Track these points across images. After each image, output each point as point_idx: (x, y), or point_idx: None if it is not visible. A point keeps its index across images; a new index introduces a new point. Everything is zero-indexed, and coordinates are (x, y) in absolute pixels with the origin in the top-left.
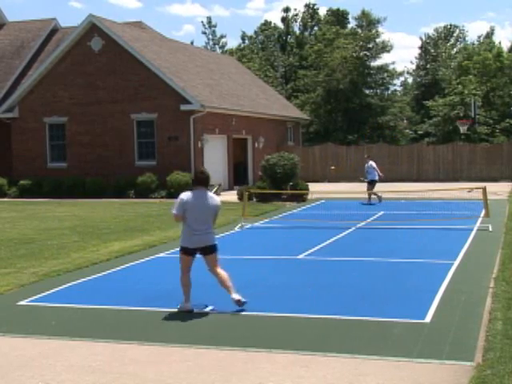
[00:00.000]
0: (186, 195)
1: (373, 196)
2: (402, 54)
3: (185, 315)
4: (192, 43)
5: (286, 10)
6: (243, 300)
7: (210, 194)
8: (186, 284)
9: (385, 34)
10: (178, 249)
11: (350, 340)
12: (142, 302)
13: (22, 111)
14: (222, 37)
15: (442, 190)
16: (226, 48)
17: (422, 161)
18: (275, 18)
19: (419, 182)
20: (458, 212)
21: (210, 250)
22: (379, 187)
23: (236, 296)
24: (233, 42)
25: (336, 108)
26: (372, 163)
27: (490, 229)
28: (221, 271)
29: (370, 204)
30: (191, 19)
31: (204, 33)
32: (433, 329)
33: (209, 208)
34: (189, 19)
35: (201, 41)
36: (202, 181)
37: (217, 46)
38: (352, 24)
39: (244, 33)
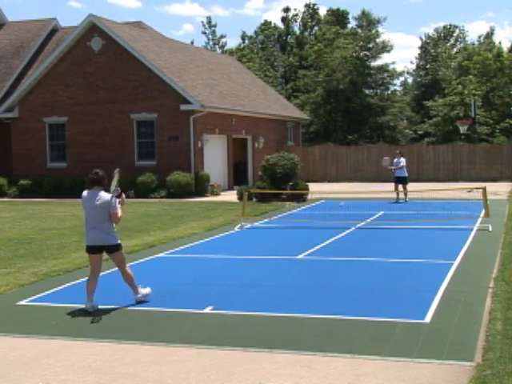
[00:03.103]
0: (83, 194)
1: (402, 195)
2: (401, 54)
3: (186, 315)
4: (192, 43)
5: (286, 9)
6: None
7: (102, 193)
8: (89, 285)
9: (385, 34)
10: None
11: (350, 340)
12: (141, 302)
13: (22, 111)
14: (221, 37)
15: (441, 190)
16: (225, 48)
17: (421, 161)
18: (274, 18)
19: (419, 182)
20: (457, 212)
21: (110, 250)
22: (382, 187)
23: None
24: (232, 42)
25: (336, 108)
26: (404, 160)
27: (490, 229)
28: (128, 270)
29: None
30: (190, 19)
31: (204, 33)
32: (433, 329)
33: (96, 206)
34: (188, 19)
35: (200, 40)
36: (94, 181)
37: (217, 46)
38: (352, 24)
39: (244, 33)
